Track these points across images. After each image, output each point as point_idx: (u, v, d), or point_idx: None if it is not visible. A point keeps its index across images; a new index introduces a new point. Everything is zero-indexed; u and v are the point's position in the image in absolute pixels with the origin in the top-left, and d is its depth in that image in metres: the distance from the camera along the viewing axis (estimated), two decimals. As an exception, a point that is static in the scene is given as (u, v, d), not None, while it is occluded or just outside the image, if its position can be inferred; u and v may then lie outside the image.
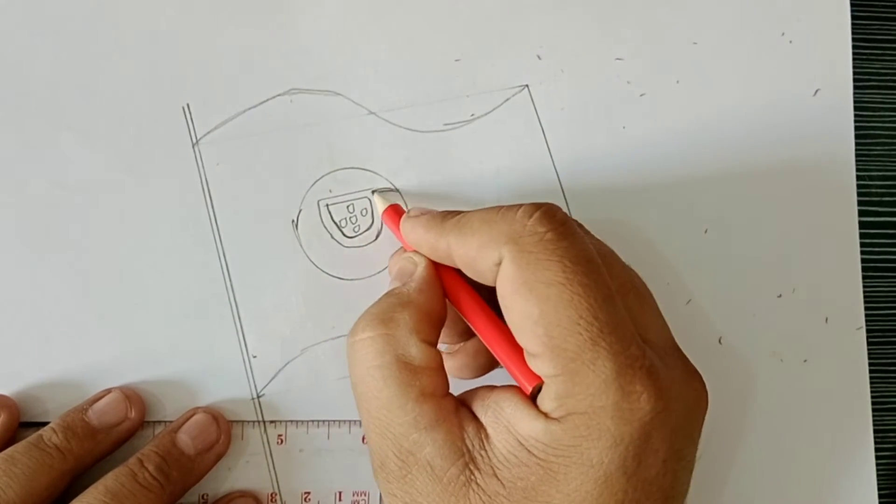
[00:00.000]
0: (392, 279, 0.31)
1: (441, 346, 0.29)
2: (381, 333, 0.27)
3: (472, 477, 0.25)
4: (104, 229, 0.33)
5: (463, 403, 0.28)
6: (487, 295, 0.29)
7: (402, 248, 0.32)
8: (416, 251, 0.30)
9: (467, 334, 0.31)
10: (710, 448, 0.34)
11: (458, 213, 0.29)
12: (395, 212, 0.32)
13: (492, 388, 0.27)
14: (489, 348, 0.28)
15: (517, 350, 0.27)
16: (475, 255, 0.27)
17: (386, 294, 0.29)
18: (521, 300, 0.26)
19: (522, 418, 0.26)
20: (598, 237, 0.30)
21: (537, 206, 0.27)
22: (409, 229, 0.30)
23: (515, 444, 0.25)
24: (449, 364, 0.31)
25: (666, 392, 0.25)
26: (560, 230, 0.26)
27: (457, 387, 0.29)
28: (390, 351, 0.27)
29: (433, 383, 0.27)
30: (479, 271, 0.27)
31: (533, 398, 0.26)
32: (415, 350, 0.27)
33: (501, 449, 0.26)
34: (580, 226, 0.30)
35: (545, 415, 0.25)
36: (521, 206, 0.27)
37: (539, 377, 0.26)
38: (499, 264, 0.26)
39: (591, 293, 0.25)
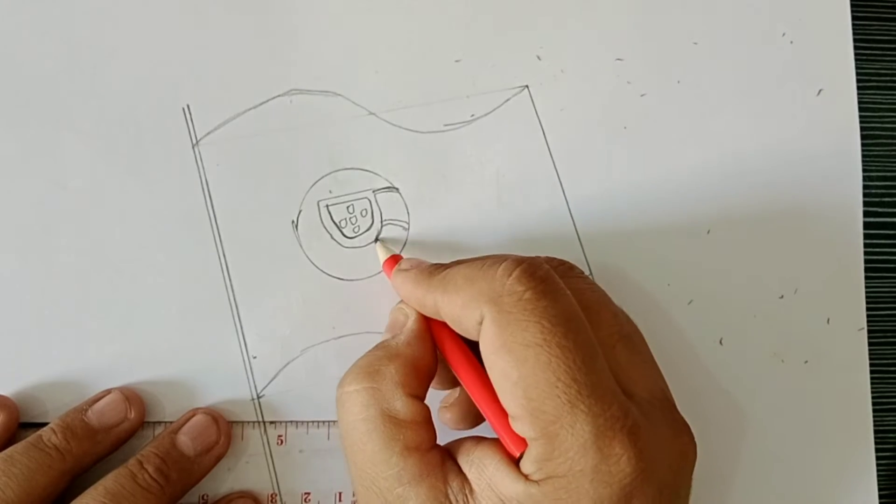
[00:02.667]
0: (385, 331, 0.31)
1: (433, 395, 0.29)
2: (366, 387, 0.27)
3: None
4: (104, 229, 0.33)
5: (449, 454, 0.27)
6: (478, 348, 0.29)
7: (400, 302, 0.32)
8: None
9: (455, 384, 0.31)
10: (711, 448, 0.34)
11: (445, 267, 0.29)
12: (396, 262, 0.32)
13: (477, 441, 0.27)
14: (478, 407, 0.28)
15: (504, 412, 0.26)
16: (459, 312, 0.27)
17: (375, 346, 0.29)
18: (500, 361, 0.26)
19: (503, 478, 0.26)
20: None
21: (518, 263, 0.27)
22: (399, 283, 0.30)
23: (498, 502, 0.25)
24: (446, 416, 0.31)
25: (648, 452, 0.25)
26: (539, 289, 0.26)
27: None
28: (375, 405, 0.27)
29: (418, 437, 0.27)
30: (464, 329, 0.27)
31: (518, 460, 0.26)
32: (399, 404, 0.27)
33: None
34: (571, 269, 0.30)
35: (525, 476, 0.25)
36: (503, 261, 0.27)
37: (525, 442, 0.26)
38: (481, 323, 0.26)
39: (570, 354, 0.25)
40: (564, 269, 0.30)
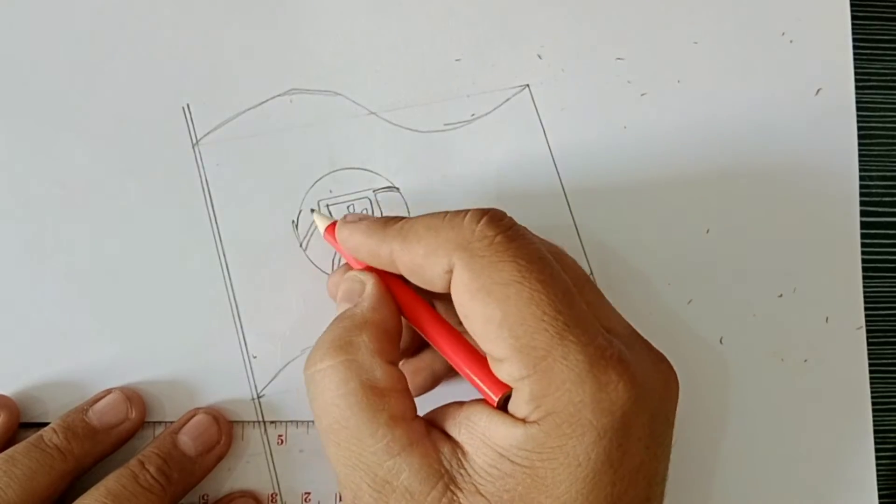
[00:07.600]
0: (339, 301, 0.29)
1: None
2: (342, 360, 0.26)
3: (455, 497, 0.25)
4: (104, 229, 0.33)
5: (433, 424, 0.27)
6: (433, 302, 0.28)
7: (339, 268, 0.30)
8: (362, 270, 0.29)
9: (409, 351, 0.31)
10: (710, 447, 0.34)
11: (400, 218, 0.28)
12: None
13: (461, 404, 0.27)
14: (449, 360, 0.27)
15: (480, 359, 0.26)
16: (422, 262, 0.26)
17: (338, 318, 0.28)
18: (480, 305, 0.25)
19: (498, 429, 0.25)
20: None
21: (484, 212, 0.26)
22: (348, 235, 0.29)
23: (495, 457, 0.25)
24: None
25: (639, 378, 0.25)
26: (509, 233, 0.26)
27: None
28: (354, 377, 0.26)
29: (402, 406, 0.26)
30: (426, 279, 0.27)
31: (501, 408, 0.25)
32: (380, 372, 0.26)
33: (481, 464, 0.25)
34: (527, 229, 0.30)
35: (522, 420, 0.25)
36: (466, 212, 0.27)
37: (507, 385, 0.25)
38: (449, 272, 0.26)
39: (550, 289, 0.25)
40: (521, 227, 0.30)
